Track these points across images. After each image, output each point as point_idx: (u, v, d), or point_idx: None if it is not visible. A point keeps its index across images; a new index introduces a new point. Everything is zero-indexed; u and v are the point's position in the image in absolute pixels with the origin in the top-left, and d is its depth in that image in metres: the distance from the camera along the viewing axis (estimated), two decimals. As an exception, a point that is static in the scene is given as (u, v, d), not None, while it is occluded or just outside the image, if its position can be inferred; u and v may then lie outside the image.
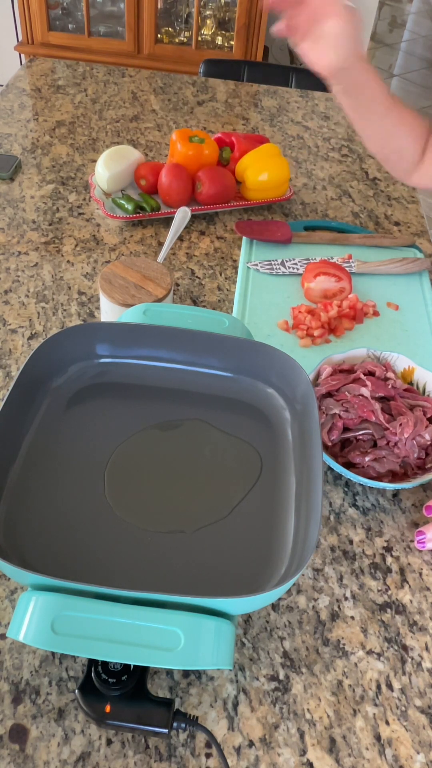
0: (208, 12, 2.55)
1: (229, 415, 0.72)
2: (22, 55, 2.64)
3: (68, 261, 1.02)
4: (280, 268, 1.02)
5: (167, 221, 1.11)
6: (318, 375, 0.79)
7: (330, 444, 0.73)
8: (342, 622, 0.63)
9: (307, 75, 1.81)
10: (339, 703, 0.58)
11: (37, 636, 0.49)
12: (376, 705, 0.58)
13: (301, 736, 0.55)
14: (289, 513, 0.64)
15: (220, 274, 1.03)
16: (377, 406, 0.73)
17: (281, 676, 0.59)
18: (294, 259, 1.03)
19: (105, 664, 0.53)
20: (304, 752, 0.54)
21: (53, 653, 0.58)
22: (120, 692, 0.52)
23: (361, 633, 0.62)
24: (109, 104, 1.46)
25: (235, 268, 1.04)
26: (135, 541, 0.61)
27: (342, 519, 0.71)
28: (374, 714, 0.57)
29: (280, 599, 0.64)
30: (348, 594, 0.65)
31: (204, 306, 0.97)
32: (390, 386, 0.76)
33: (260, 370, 0.74)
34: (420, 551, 0.69)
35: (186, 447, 0.69)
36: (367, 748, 0.55)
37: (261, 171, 1.13)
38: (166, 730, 0.51)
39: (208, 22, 2.56)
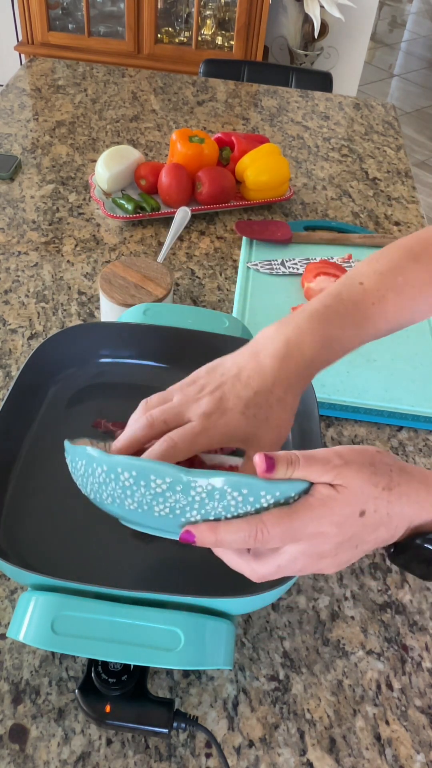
0: (208, 12, 2.55)
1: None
2: (22, 55, 2.64)
3: (68, 261, 1.02)
4: (280, 268, 1.02)
5: (167, 221, 1.11)
6: None
7: None
8: (342, 622, 0.63)
9: (307, 75, 1.81)
10: (339, 703, 0.58)
11: (37, 636, 0.49)
12: (376, 705, 0.58)
13: (301, 736, 0.55)
14: (289, 513, 0.64)
15: (220, 274, 1.03)
16: None
17: (281, 676, 0.59)
18: (294, 259, 1.03)
19: (105, 664, 0.53)
20: (304, 752, 0.54)
21: (53, 653, 0.58)
22: (120, 692, 0.52)
23: (361, 633, 0.62)
24: (109, 104, 1.46)
25: (235, 268, 1.04)
26: (135, 541, 0.61)
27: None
28: (374, 714, 0.57)
29: (280, 599, 0.64)
30: (348, 594, 0.65)
31: (204, 306, 0.97)
32: None
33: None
34: None
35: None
36: (367, 748, 0.55)
37: (261, 171, 1.13)
38: (166, 730, 0.51)
39: (208, 22, 2.56)
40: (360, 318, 0.55)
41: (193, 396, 0.51)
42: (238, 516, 0.44)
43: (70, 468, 0.51)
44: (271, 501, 0.43)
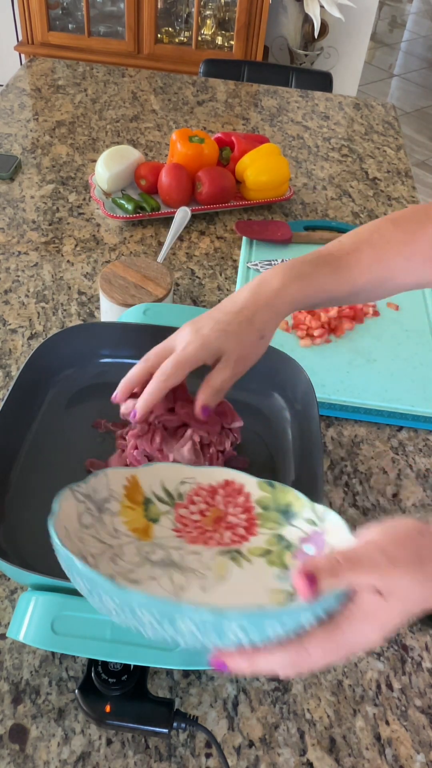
0: (208, 12, 2.55)
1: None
2: (22, 55, 2.64)
3: (68, 261, 1.02)
4: (280, 268, 1.01)
5: (167, 221, 1.11)
6: None
7: None
8: (342, 622, 0.63)
9: (307, 75, 1.81)
10: (339, 703, 0.58)
11: (37, 636, 0.49)
12: (376, 705, 0.58)
13: (301, 736, 0.55)
14: (289, 513, 0.64)
15: (220, 274, 1.03)
16: None
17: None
18: (294, 259, 1.03)
19: (105, 664, 0.53)
20: (304, 752, 0.54)
21: (53, 653, 0.58)
22: (120, 692, 0.52)
23: (361, 633, 0.62)
24: (109, 104, 1.46)
25: (235, 268, 1.04)
26: (135, 541, 0.61)
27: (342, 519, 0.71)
28: (374, 714, 0.57)
29: (280, 599, 0.64)
30: (348, 594, 0.65)
31: (204, 306, 0.97)
32: None
33: (260, 370, 0.74)
34: None
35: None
36: (367, 748, 0.55)
37: (261, 171, 1.13)
38: (166, 730, 0.51)
39: (208, 22, 2.56)
40: (334, 263, 0.59)
41: (178, 332, 0.59)
42: (277, 639, 0.39)
43: (63, 566, 0.43)
44: (314, 622, 0.39)
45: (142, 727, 0.51)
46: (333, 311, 0.92)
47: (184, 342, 0.57)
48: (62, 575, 0.51)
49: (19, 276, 0.98)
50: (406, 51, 4.44)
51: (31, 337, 0.88)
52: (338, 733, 0.56)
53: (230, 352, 0.57)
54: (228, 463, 0.67)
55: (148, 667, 0.55)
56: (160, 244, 1.07)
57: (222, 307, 0.59)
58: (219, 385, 0.58)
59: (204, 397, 0.57)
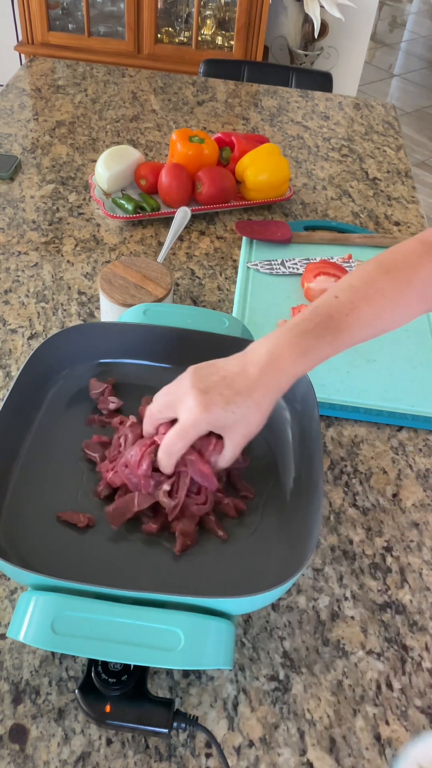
0: (208, 12, 2.55)
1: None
2: (22, 55, 2.64)
3: (68, 261, 1.02)
4: (280, 268, 1.02)
5: (167, 221, 1.11)
6: None
7: None
8: (342, 622, 0.63)
9: (307, 75, 1.81)
10: (339, 703, 0.58)
11: (37, 636, 0.49)
12: (376, 705, 0.58)
13: (301, 736, 0.55)
14: (289, 513, 0.64)
15: (220, 274, 1.03)
16: None
17: (281, 676, 0.59)
18: (294, 259, 1.03)
19: (105, 664, 0.53)
20: (304, 752, 0.54)
21: (53, 653, 0.58)
22: (120, 692, 0.52)
23: (361, 633, 0.62)
24: (109, 104, 1.46)
25: (235, 268, 1.04)
26: (135, 541, 0.61)
27: (342, 519, 0.71)
28: (374, 714, 0.57)
29: (280, 599, 0.64)
30: (348, 594, 0.65)
31: (204, 306, 0.97)
32: None
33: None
34: (420, 551, 0.69)
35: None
36: (367, 748, 0.55)
37: (261, 171, 1.13)
38: (166, 730, 0.51)
39: (208, 22, 2.56)
40: (334, 328, 0.60)
41: (183, 391, 0.59)
42: None
43: None
44: None
45: (142, 727, 0.51)
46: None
47: (192, 416, 0.58)
48: (62, 575, 0.51)
49: (19, 276, 0.98)
50: (406, 51, 4.44)
51: (31, 337, 0.88)
52: (338, 733, 0.56)
53: (236, 433, 0.59)
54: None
55: (148, 667, 0.55)
56: (160, 244, 1.07)
57: (232, 383, 0.58)
58: (221, 466, 0.61)
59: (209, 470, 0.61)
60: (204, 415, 0.57)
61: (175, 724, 0.52)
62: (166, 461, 0.60)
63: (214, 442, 0.61)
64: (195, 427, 0.58)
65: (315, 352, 0.59)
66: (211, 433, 0.60)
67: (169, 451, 0.59)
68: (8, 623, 0.60)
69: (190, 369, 0.60)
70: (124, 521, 0.61)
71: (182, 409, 0.59)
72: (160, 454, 0.60)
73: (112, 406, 0.71)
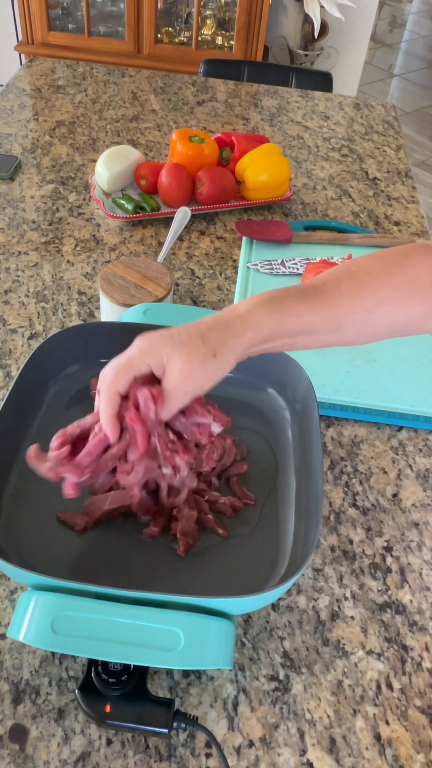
0: (208, 12, 2.55)
1: (228, 415, 0.72)
2: (22, 55, 2.64)
3: (68, 261, 1.02)
4: (280, 268, 1.02)
5: (167, 221, 1.11)
6: None
7: None
8: (342, 622, 0.63)
9: (307, 75, 1.81)
10: (339, 703, 0.58)
11: (37, 636, 0.49)
12: (376, 705, 0.58)
13: (301, 736, 0.55)
14: (290, 513, 0.64)
15: (220, 274, 1.03)
16: None
17: (281, 676, 0.59)
18: (294, 259, 1.03)
19: (105, 664, 0.53)
20: (304, 752, 0.54)
21: (53, 653, 0.58)
22: (120, 692, 0.52)
23: (361, 633, 0.62)
24: (109, 104, 1.46)
25: (235, 268, 1.04)
26: (135, 541, 0.61)
27: (342, 519, 0.71)
28: (374, 714, 0.57)
29: (280, 599, 0.64)
30: (348, 594, 0.65)
31: (204, 306, 0.97)
32: None
33: (260, 370, 0.74)
34: (420, 551, 0.69)
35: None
36: (367, 748, 0.55)
37: (261, 171, 1.13)
38: (166, 730, 0.51)
39: (208, 22, 2.56)
40: (311, 291, 0.56)
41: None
42: None
43: None
44: None
45: (142, 727, 0.51)
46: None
47: (131, 349, 0.54)
48: (62, 575, 0.51)
49: (19, 276, 0.98)
50: (406, 51, 4.44)
51: (31, 337, 0.88)
52: (338, 733, 0.56)
53: (174, 362, 0.53)
54: (227, 470, 0.67)
55: (148, 667, 0.55)
56: (160, 244, 1.07)
57: (184, 328, 0.55)
58: (164, 418, 0.55)
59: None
60: (140, 341, 0.53)
61: (175, 724, 0.52)
62: (103, 400, 0.54)
63: (155, 390, 0.54)
64: (130, 353, 0.53)
65: (282, 301, 0.55)
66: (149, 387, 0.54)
67: (103, 379, 0.54)
68: (8, 623, 0.60)
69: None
70: (98, 518, 0.61)
71: (124, 353, 0.54)
72: (98, 396, 0.54)
73: None
